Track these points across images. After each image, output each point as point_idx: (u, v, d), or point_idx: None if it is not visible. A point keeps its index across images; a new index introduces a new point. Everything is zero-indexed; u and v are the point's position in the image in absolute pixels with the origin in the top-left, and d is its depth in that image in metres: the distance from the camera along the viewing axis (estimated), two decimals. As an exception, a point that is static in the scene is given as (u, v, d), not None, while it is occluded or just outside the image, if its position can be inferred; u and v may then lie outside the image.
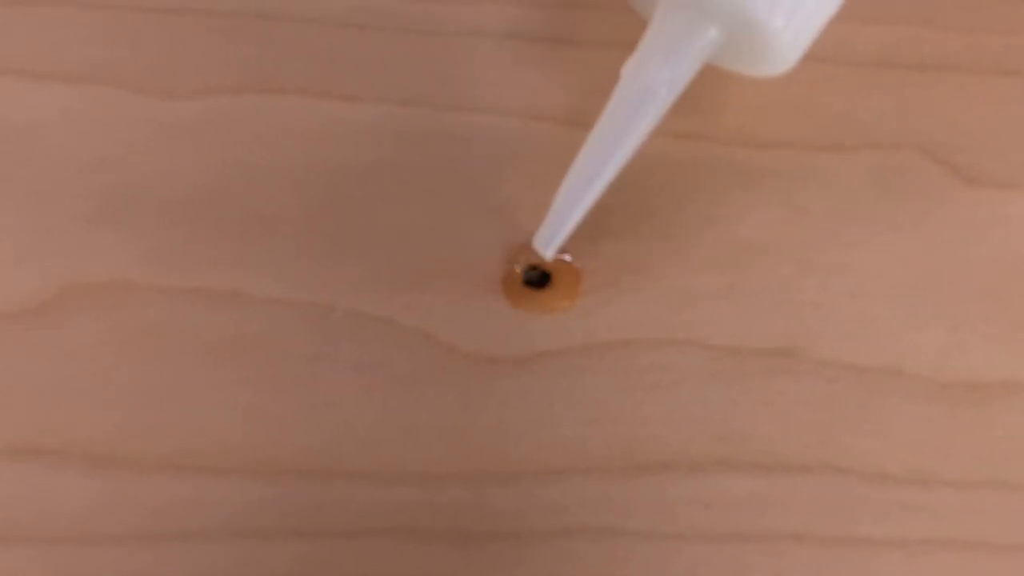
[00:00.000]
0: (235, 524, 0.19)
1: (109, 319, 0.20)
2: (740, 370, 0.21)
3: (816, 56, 0.23)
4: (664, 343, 0.21)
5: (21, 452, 0.19)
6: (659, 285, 0.22)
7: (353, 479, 0.20)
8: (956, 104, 0.23)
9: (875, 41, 0.24)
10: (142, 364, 0.20)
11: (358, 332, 0.21)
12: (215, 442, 0.20)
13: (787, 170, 0.23)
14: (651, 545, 0.20)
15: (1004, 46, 0.24)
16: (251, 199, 0.21)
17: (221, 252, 0.21)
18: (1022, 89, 0.23)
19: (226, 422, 0.20)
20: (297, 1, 0.23)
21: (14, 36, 0.22)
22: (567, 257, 0.22)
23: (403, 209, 0.22)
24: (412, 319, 0.21)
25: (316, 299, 0.21)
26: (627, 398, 0.21)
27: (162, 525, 0.19)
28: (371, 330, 0.21)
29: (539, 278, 0.21)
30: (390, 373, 0.21)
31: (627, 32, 0.23)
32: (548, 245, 0.20)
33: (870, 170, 0.23)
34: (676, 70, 0.20)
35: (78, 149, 0.21)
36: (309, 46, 0.22)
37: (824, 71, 0.23)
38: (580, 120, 0.22)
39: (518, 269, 0.21)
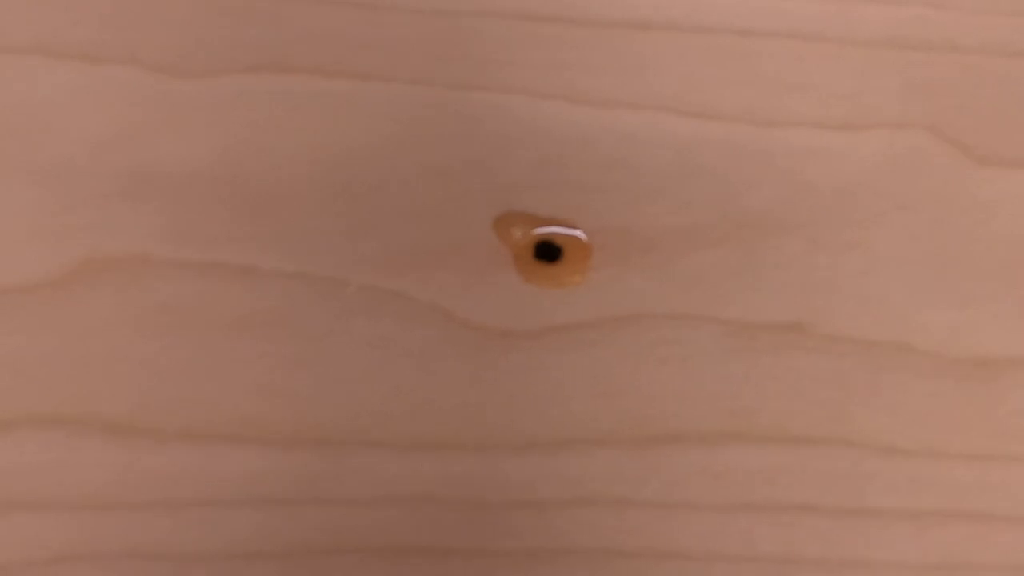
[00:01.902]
0: (252, 492, 0.20)
1: (127, 293, 0.21)
2: (750, 345, 0.21)
3: (824, 36, 0.24)
4: (675, 318, 0.21)
5: (43, 422, 0.20)
6: (669, 261, 0.22)
7: (369, 449, 0.20)
8: (964, 84, 0.24)
9: (883, 21, 0.24)
10: (160, 338, 0.20)
11: (372, 307, 0.21)
12: (232, 414, 0.20)
13: (797, 149, 0.23)
14: (663, 515, 0.20)
15: (1011, 27, 0.24)
16: (265, 176, 0.22)
17: (236, 228, 0.21)
18: (1030, 68, 0.24)
19: (243, 394, 0.20)
20: (312, -19, 0.23)
21: (32, 15, 0.22)
22: (579, 233, 0.22)
23: (416, 186, 0.22)
24: (426, 294, 0.21)
25: (330, 274, 0.21)
26: (638, 372, 0.21)
27: (180, 493, 0.19)
28: (385, 305, 0.21)
29: (551, 250, 0.22)
30: (404, 347, 0.21)
31: (634, 11, 0.23)
32: None
33: (880, 149, 0.23)
34: None
35: (95, 127, 0.22)
36: (322, 26, 0.23)
37: (832, 51, 0.24)
38: (588, 99, 0.23)
39: (519, 234, 0.21)
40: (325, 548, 0.20)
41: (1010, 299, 0.22)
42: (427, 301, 0.21)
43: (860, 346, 0.22)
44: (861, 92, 0.23)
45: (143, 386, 0.20)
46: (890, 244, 0.22)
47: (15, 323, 0.20)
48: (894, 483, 0.21)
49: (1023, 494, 0.21)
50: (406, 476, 0.20)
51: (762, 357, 0.21)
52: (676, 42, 0.23)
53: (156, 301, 0.21)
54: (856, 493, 0.21)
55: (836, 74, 0.24)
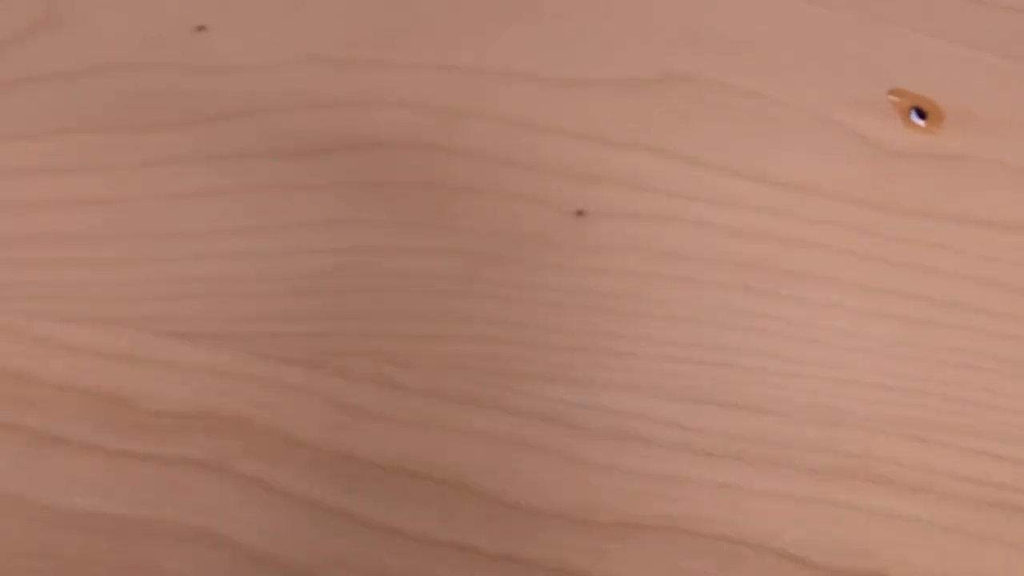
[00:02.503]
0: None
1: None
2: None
3: None
4: (977, 158, 0.40)
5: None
6: (987, 129, 0.40)
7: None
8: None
9: None
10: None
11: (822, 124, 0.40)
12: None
13: None
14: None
15: None
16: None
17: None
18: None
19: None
20: None
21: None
22: (923, 123, 0.40)
23: (850, 66, 0.41)
24: (848, 122, 0.40)
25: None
26: (953, 182, 0.39)
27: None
28: (828, 130, 0.40)
29: (920, 113, 0.40)
30: (807, 147, 0.40)
31: None
32: None
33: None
34: None
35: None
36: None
37: None
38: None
39: (905, 101, 0.40)
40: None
41: None
42: (851, 127, 0.40)
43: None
44: None
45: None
46: None
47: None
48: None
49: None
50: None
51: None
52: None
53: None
54: None
55: None
